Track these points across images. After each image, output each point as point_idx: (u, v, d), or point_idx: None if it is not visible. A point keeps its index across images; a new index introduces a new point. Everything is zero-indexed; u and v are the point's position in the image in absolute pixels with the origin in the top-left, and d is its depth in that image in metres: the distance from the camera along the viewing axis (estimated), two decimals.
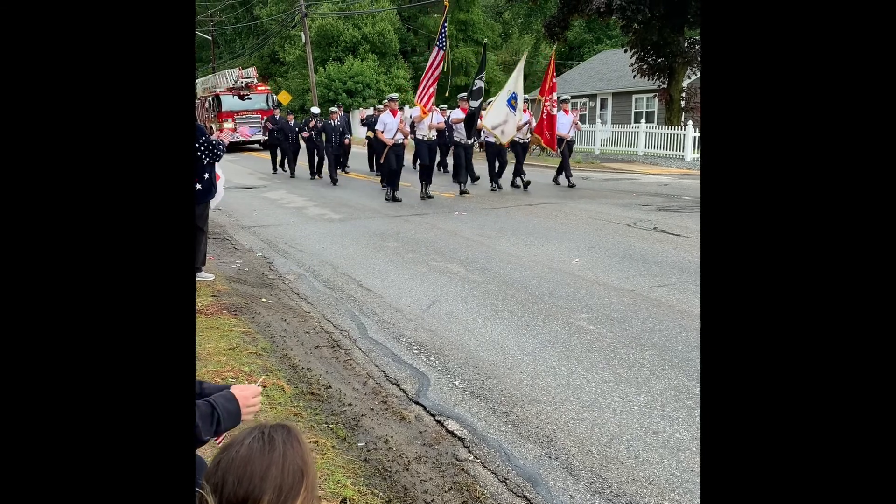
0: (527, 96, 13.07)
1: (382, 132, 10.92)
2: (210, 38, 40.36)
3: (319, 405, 3.27)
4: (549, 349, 3.98)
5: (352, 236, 7.75)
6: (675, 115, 19.20)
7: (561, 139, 12.59)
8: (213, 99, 25.56)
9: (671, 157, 17.30)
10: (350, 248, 7.04)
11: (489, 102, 12.20)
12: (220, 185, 5.90)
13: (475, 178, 12.96)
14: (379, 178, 13.35)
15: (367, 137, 14.50)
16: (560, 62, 44.36)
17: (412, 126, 11.67)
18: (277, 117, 16.65)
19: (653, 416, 3.12)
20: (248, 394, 1.63)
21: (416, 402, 3.36)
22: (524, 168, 12.47)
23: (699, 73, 20.18)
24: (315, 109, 16.96)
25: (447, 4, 11.57)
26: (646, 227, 7.95)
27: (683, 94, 19.75)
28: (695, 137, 17.08)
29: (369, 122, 15.05)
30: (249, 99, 24.68)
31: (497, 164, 12.15)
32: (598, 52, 38.58)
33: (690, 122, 17.76)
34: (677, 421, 3.07)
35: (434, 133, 11.65)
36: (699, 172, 7.83)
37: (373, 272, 5.99)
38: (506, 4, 39.66)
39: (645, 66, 19.63)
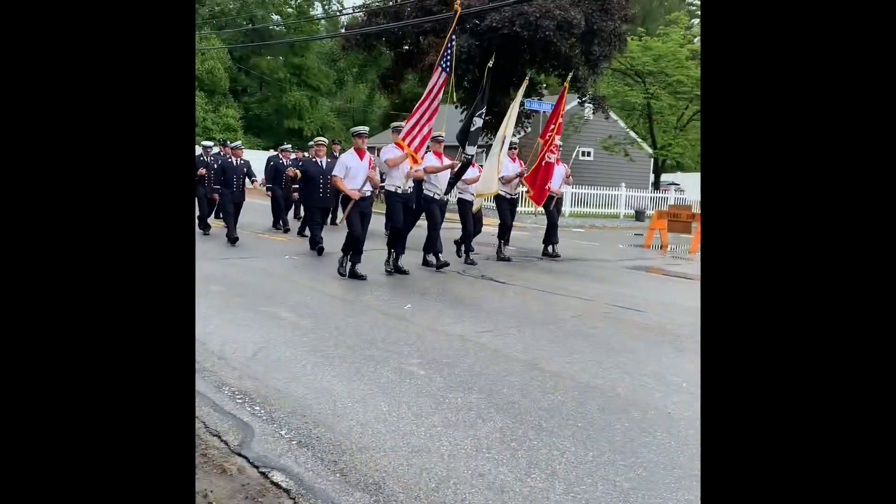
0: (514, 140, 10.20)
1: (343, 179, 7.61)
2: None
3: None
4: (380, 395, 3.96)
5: None
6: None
7: (551, 196, 10.18)
8: None
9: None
10: None
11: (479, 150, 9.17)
12: None
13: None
14: (306, 240, 10.16)
15: (295, 185, 11.26)
16: (394, 113, 45.50)
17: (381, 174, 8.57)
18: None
19: (479, 459, 3.19)
20: None
21: (239, 454, 3.17)
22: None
23: (523, 132, 21.59)
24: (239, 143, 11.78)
25: (458, 10, 8.68)
26: (474, 275, 8.24)
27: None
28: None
29: (277, 167, 12.29)
30: None
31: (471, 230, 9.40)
32: None
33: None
34: (502, 462, 3.16)
35: (411, 184, 8.24)
36: (527, 227, 8.14)
37: (195, 318, 5.65)
38: (341, 53, 40.22)
39: None
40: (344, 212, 7.76)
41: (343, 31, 28.95)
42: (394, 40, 20.66)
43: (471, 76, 18.54)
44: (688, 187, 30.14)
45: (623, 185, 23.80)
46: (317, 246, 9.57)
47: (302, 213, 11.90)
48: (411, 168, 7.96)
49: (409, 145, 7.89)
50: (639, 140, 28.50)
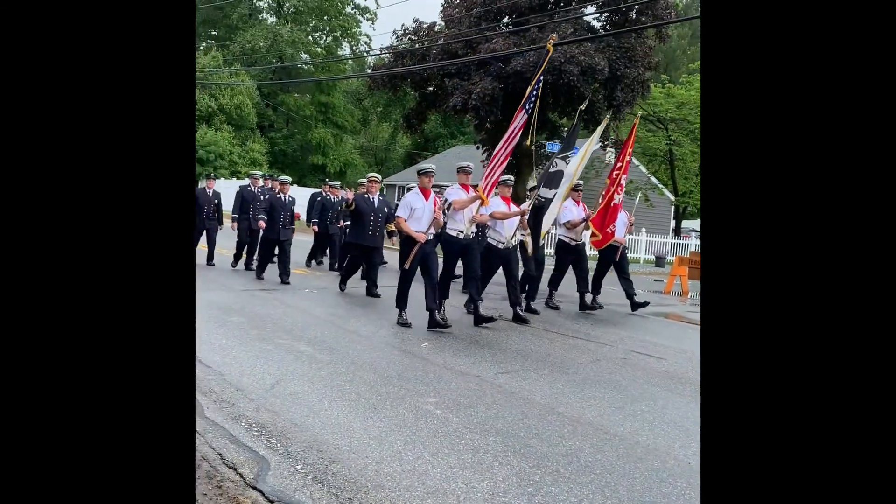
0: (579, 182, 9.31)
1: (406, 220, 7.06)
2: None
3: None
4: (396, 433, 3.93)
5: None
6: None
7: (615, 246, 9.38)
8: None
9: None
10: None
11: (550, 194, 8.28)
12: None
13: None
14: (338, 279, 9.66)
15: (343, 227, 10.87)
16: (415, 152, 46.09)
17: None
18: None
19: (494, 503, 3.14)
20: None
21: (254, 488, 3.16)
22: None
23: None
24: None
25: (551, 49, 7.97)
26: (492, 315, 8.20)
27: (528, 193, 21.11)
28: None
29: (325, 203, 11.73)
30: None
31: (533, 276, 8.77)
32: (452, 147, 40.48)
33: None
34: None
35: (474, 229, 7.72)
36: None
37: (213, 348, 5.68)
38: (367, 92, 40.98)
39: None
40: (408, 257, 7.05)
41: (370, 71, 29.52)
42: (419, 81, 21.01)
43: (493, 118, 18.74)
44: None
45: (643, 230, 23.74)
46: (343, 286, 9.37)
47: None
48: (477, 212, 7.39)
49: (483, 189, 7.35)
50: (660, 186, 28.51)
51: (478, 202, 7.31)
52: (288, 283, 9.80)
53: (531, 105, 7.57)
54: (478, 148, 22.01)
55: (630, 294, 9.56)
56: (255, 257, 10.88)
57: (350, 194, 9.81)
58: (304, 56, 44.16)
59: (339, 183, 12.59)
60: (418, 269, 7.19)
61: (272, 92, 43.62)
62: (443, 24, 21.08)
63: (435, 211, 7.03)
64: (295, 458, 3.49)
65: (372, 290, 9.25)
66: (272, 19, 45.17)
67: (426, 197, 7.13)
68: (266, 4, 45.57)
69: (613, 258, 9.44)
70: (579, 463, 3.67)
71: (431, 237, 7.17)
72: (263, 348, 5.77)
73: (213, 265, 11.15)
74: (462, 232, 7.36)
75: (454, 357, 5.91)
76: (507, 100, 18.73)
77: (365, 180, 9.59)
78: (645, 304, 9.63)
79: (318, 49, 46.12)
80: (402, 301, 7.19)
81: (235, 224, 11.17)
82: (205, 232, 10.99)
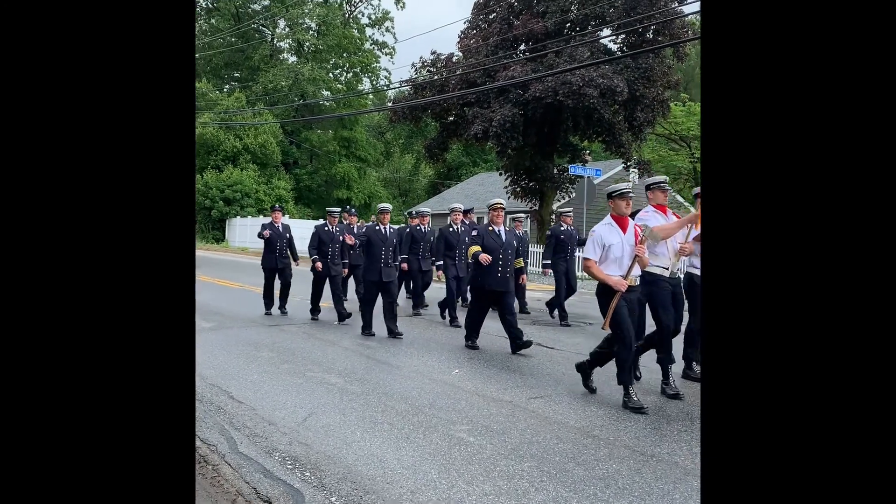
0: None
1: (598, 263, 5.26)
2: None
3: None
4: (430, 462, 3.90)
5: (223, 346, 7.41)
6: (544, 236, 20.35)
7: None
8: None
9: (542, 275, 18.08)
10: (221, 358, 6.71)
11: None
12: None
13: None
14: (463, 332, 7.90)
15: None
16: (438, 181, 46.38)
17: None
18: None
19: None
20: None
21: None
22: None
23: (567, 198, 21.69)
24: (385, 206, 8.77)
25: None
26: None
27: (553, 217, 21.06)
28: None
29: (414, 234, 10.26)
30: None
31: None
32: (474, 174, 40.67)
33: None
34: None
35: (681, 262, 6.01)
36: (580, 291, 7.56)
37: (245, 383, 5.71)
38: (388, 125, 41.42)
39: (518, 189, 20.86)
40: (606, 312, 5.25)
41: (390, 104, 29.91)
42: (439, 111, 21.21)
43: (514, 144, 18.82)
44: None
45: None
46: (470, 342, 7.65)
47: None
48: (687, 239, 5.69)
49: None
50: (686, 204, 28.28)
51: (685, 229, 5.71)
52: (401, 336, 8.18)
53: None
54: (500, 174, 22.08)
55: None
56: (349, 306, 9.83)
57: (423, 227, 8.41)
58: (326, 93, 44.89)
59: (428, 210, 11.07)
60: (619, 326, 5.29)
61: (295, 129, 44.31)
62: (460, 54, 21.32)
63: (637, 246, 5.22)
64: (329, 490, 3.48)
65: (519, 344, 7.32)
66: (293, 59, 46.09)
67: (623, 228, 5.28)
68: (287, 45, 46.52)
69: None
70: (617, 486, 3.60)
71: (636, 282, 5.36)
72: (294, 382, 5.79)
73: (286, 313, 10.06)
74: (667, 268, 5.66)
75: (485, 383, 5.87)
76: (528, 125, 18.81)
77: (456, 208, 8.51)
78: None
79: (339, 85, 46.86)
80: (599, 362, 5.73)
81: (319, 265, 9.51)
82: (277, 272, 9.99)
